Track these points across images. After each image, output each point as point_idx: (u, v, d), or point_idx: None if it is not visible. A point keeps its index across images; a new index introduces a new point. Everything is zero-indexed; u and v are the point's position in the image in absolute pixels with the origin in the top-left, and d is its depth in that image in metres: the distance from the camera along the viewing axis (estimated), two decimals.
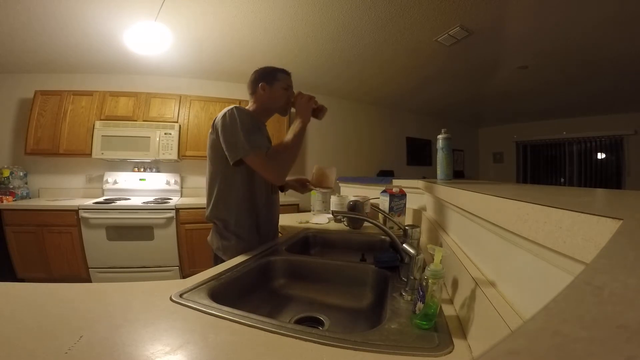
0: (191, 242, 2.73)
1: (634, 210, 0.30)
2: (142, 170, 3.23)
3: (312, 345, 0.49)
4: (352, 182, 2.46)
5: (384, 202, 1.47)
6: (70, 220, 2.51)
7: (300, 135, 1.10)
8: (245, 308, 0.61)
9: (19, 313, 0.54)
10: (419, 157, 5.24)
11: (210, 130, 1.11)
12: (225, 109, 1.07)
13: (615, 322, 0.10)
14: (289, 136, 1.10)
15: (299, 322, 0.80)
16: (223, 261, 1.01)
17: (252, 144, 1.00)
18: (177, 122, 3.08)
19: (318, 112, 1.19)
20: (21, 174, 2.88)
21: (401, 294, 0.69)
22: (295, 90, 1.20)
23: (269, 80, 1.15)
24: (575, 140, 5.12)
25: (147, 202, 2.74)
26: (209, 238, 1.18)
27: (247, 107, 1.17)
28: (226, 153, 1.03)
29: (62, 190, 3.07)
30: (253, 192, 1.13)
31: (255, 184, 1.13)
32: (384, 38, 2.52)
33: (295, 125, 1.12)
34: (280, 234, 1.43)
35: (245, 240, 1.11)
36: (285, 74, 1.18)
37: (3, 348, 0.44)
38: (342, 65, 3.12)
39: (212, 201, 1.12)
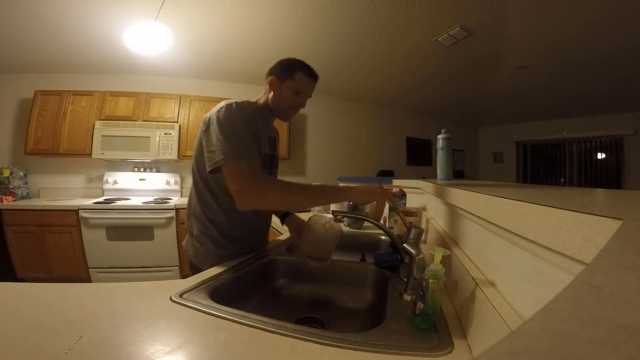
0: None
1: (634, 210, 0.30)
2: (142, 170, 3.23)
3: (312, 345, 0.49)
4: (352, 182, 2.46)
5: None
6: (70, 220, 2.51)
7: (329, 199, 0.91)
8: (245, 308, 0.61)
9: (19, 313, 0.54)
10: (418, 157, 5.23)
11: (202, 124, 0.93)
12: (224, 103, 0.90)
13: (615, 322, 0.10)
14: (320, 192, 0.88)
15: (299, 322, 0.80)
16: (199, 270, 0.85)
17: (236, 153, 0.82)
18: (177, 122, 3.08)
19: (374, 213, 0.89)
20: (21, 174, 2.88)
21: (401, 294, 0.69)
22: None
23: (282, 76, 0.97)
24: (575, 140, 5.11)
25: (147, 202, 2.73)
26: (184, 243, 1.03)
27: (257, 99, 1.02)
28: (205, 155, 0.87)
29: (62, 190, 3.07)
30: None
31: None
32: (383, 38, 2.52)
33: (340, 195, 0.89)
34: (281, 234, 1.43)
35: (225, 248, 0.96)
36: (306, 74, 0.97)
37: (4, 348, 0.44)
38: (342, 66, 3.12)
39: (194, 202, 0.99)
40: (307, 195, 0.86)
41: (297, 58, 0.99)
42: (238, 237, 0.99)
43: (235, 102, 0.91)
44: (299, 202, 0.88)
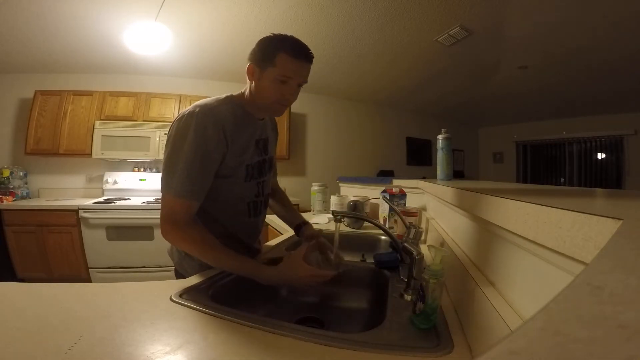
0: None
1: (634, 210, 0.30)
2: (142, 170, 3.23)
3: (312, 345, 0.49)
4: (352, 182, 2.46)
5: (384, 202, 1.47)
6: (70, 220, 2.51)
7: (228, 268, 0.78)
8: (246, 308, 0.61)
9: (19, 313, 0.54)
10: (419, 157, 5.23)
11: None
12: (189, 110, 0.76)
13: (615, 322, 0.10)
14: (223, 257, 0.75)
15: (299, 322, 0.80)
16: (185, 278, 0.80)
17: (175, 187, 0.73)
18: None
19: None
20: (21, 174, 2.88)
21: (401, 294, 0.69)
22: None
23: (263, 62, 0.77)
24: (575, 140, 5.11)
25: (147, 202, 2.73)
26: (168, 250, 0.96)
27: (244, 90, 0.87)
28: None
29: (62, 190, 3.07)
30: (229, 206, 0.87)
31: (232, 200, 0.87)
32: (384, 38, 2.52)
33: (243, 266, 0.77)
34: (281, 234, 1.43)
35: None
36: (290, 54, 0.74)
37: (4, 348, 0.44)
38: (342, 66, 3.12)
39: None
40: (213, 262, 0.77)
41: (282, 33, 0.77)
42: (227, 245, 0.89)
43: (199, 109, 0.75)
44: (200, 256, 0.79)
